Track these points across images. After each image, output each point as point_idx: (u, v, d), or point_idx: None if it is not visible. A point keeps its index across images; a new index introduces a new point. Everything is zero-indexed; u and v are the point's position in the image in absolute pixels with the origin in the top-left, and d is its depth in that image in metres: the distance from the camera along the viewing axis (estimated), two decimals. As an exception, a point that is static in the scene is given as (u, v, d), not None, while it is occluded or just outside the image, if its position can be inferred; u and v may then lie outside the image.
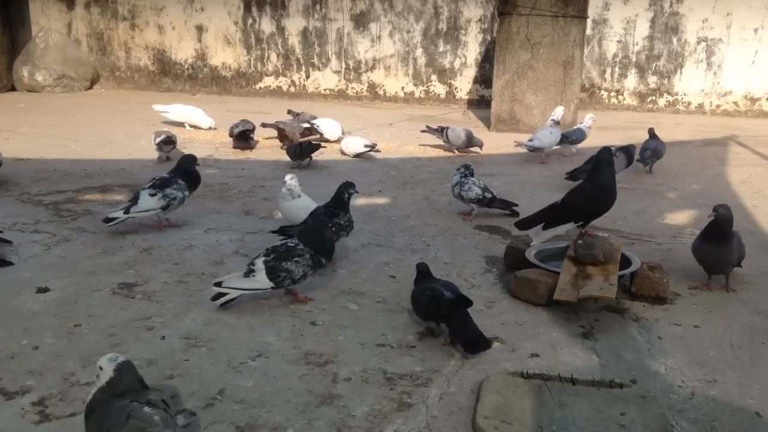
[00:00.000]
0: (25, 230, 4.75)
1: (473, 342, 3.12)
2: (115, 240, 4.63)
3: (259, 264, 3.48)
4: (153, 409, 2.18)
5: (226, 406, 2.69)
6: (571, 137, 7.76)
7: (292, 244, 3.58)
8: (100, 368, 2.22)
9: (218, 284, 3.50)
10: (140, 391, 2.25)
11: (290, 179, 4.62)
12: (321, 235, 3.74)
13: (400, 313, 3.59)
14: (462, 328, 3.16)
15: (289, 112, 8.80)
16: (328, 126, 8.29)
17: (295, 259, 3.52)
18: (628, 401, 2.71)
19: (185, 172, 4.94)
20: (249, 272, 3.50)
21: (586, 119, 8.12)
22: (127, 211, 4.66)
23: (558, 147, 7.72)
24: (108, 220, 4.67)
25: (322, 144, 7.45)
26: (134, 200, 4.71)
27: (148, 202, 4.68)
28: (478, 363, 3.08)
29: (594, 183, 4.15)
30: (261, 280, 3.47)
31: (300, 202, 4.64)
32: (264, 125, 7.96)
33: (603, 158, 4.12)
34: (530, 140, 7.51)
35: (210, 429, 2.55)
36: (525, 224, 4.22)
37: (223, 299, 3.50)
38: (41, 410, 2.63)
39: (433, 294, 3.24)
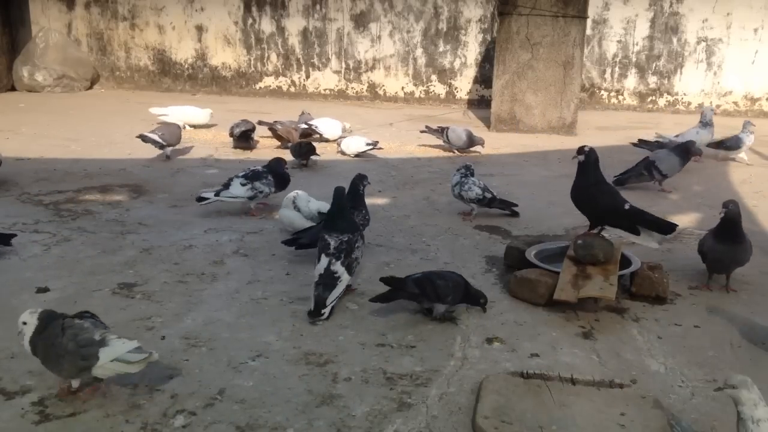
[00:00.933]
0: (25, 230, 4.75)
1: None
2: (115, 240, 4.63)
3: (340, 268, 3.61)
4: (82, 320, 2.69)
5: (226, 406, 2.69)
6: (726, 144, 7.61)
7: (347, 239, 3.72)
8: (24, 323, 2.64)
9: (321, 306, 3.49)
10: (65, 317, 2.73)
11: (301, 195, 4.71)
12: (348, 213, 3.96)
13: (400, 313, 3.59)
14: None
15: (303, 113, 8.68)
16: (326, 126, 8.21)
17: (357, 246, 3.77)
18: (628, 401, 2.71)
19: (274, 173, 5.27)
20: (335, 280, 3.57)
21: (747, 127, 7.71)
22: (218, 194, 5.08)
23: (714, 152, 7.64)
24: (200, 198, 5.09)
25: (318, 154, 7.27)
26: (226, 186, 5.10)
27: (238, 190, 5.08)
28: (478, 363, 3.08)
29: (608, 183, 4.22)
30: (346, 279, 3.64)
31: (287, 212, 4.73)
32: (260, 123, 7.94)
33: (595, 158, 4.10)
34: (676, 136, 7.66)
35: (210, 429, 2.55)
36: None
37: (327, 313, 3.49)
38: (41, 410, 2.63)
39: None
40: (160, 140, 6.96)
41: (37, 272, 4.00)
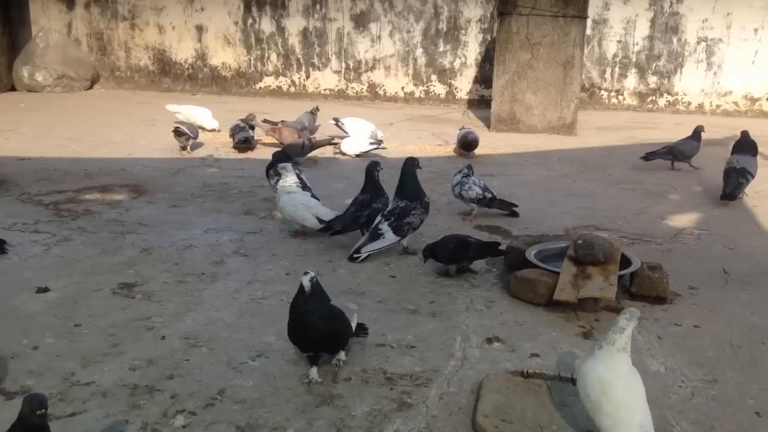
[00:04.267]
0: (25, 230, 4.75)
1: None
2: (115, 240, 4.63)
3: (385, 227, 4.29)
4: None
5: (226, 406, 2.69)
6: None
7: (404, 204, 4.37)
8: None
9: (357, 251, 4.24)
10: None
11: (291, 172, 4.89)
12: (416, 184, 4.50)
13: (400, 313, 3.60)
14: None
15: (315, 110, 8.56)
16: (355, 127, 7.88)
17: (412, 213, 4.36)
18: (628, 401, 2.70)
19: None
20: (377, 235, 4.27)
21: None
22: None
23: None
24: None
25: (334, 141, 7.44)
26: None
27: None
28: (478, 363, 3.08)
29: None
30: (389, 237, 4.29)
31: (299, 196, 4.71)
32: (265, 122, 7.92)
33: None
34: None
35: (210, 429, 2.55)
36: None
37: (361, 258, 4.24)
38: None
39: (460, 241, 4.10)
40: (189, 133, 7.45)
41: (37, 272, 4.00)
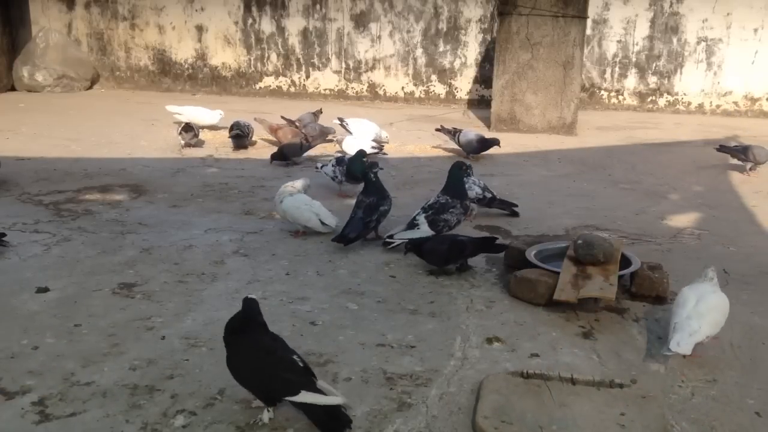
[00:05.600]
0: (25, 230, 4.75)
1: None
2: (115, 240, 4.63)
3: (422, 219, 4.44)
4: None
5: (226, 406, 2.69)
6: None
7: (444, 201, 4.51)
8: None
9: (390, 237, 4.44)
10: None
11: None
12: (462, 186, 4.69)
13: (400, 313, 3.60)
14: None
15: (318, 112, 8.51)
16: (359, 127, 7.81)
17: (450, 210, 4.48)
18: (628, 401, 2.71)
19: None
20: (413, 226, 4.44)
21: None
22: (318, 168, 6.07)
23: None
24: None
25: (330, 136, 7.49)
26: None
27: (328, 169, 5.95)
28: (478, 363, 3.08)
29: None
30: (424, 230, 4.40)
31: (301, 197, 4.74)
32: (254, 119, 7.98)
33: None
34: None
35: (210, 429, 2.55)
36: None
37: (393, 245, 4.42)
38: (41, 410, 2.63)
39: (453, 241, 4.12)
40: (196, 130, 7.75)
41: (37, 272, 4.00)
